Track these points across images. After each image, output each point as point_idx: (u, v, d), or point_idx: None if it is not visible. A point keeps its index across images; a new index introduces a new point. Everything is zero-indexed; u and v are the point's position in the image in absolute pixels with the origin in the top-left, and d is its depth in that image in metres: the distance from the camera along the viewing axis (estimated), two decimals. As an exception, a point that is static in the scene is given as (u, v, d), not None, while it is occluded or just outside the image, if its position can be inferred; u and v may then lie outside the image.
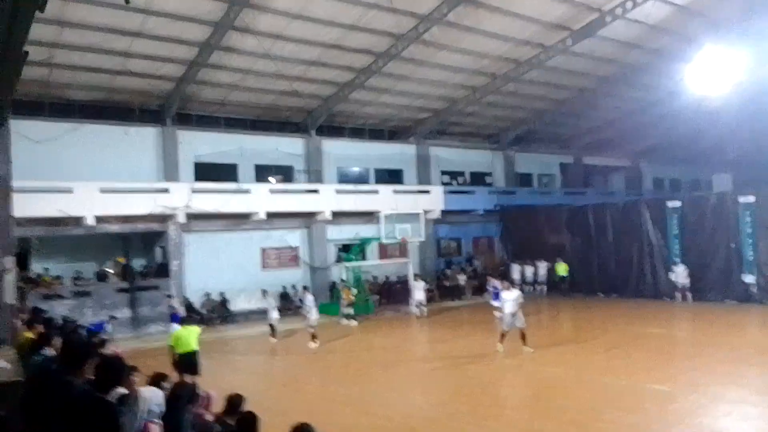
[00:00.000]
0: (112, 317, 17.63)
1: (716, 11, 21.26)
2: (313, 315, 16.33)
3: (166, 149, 22.11)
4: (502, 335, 13.49)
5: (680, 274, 20.73)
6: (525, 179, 33.45)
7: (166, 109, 21.99)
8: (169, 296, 19.83)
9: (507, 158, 32.03)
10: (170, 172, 21.96)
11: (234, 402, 5.73)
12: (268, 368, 13.96)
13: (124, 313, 19.49)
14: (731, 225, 19.96)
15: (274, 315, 17.56)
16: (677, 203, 22.07)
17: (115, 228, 19.79)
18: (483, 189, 30.06)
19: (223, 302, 22.02)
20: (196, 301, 21.60)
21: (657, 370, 11.41)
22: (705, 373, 11.01)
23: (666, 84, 26.49)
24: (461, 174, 30.97)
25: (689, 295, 20.57)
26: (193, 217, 20.94)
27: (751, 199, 19.65)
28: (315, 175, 25.35)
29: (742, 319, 16.74)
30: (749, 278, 19.44)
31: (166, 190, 20.42)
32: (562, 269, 25.09)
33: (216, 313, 21.86)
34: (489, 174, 31.92)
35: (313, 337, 15.73)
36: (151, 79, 20.39)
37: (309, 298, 16.90)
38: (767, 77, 25.24)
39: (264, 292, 18.76)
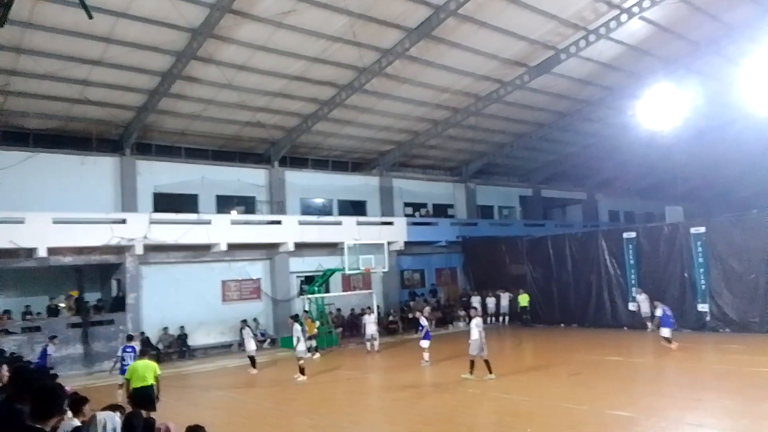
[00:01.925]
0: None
1: (664, 50, 22.44)
2: (301, 346, 15.76)
3: (125, 179, 21.66)
4: (472, 363, 13.65)
5: (643, 303, 21.05)
6: (486, 211, 34.01)
7: (125, 138, 21.63)
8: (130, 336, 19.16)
9: (468, 190, 32.57)
10: (128, 203, 21.47)
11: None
12: (229, 402, 13.51)
13: (77, 349, 18.69)
14: (684, 255, 20.59)
15: (252, 346, 17.23)
16: (633, 234, 22.70)
17: (68, 260, 19.13)
18: (445, 220, 30.39)
19: (182, 336, 21.36)
20: (154, 335, 20.88)
21: (618, 395, 11.56)
22: (664, 397, 11.21)
23: (619, 119, 27.63)
24: (424, 206, 31.28)
25: (651, 324, 20.87)
26: (151, 248, 20.43)
27: (702, 229, 20.36)
28: (278, 206, 25.19)
29: (697, 346, 17.15)
30: (703, 306, 19.99)
31: (123, 221, 19.90)
32: (523, 300, 25.38)
33: (174, 348, 21.19)
34: (451, 206, 32.34)
35: (301, 370, 15.18)
36: (111, 107, 20.11)
37: (296, 328, 16.24)
38: (713, 113, 26.71)
39: (243, 323, 18.40)
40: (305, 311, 21.08)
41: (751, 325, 18.42)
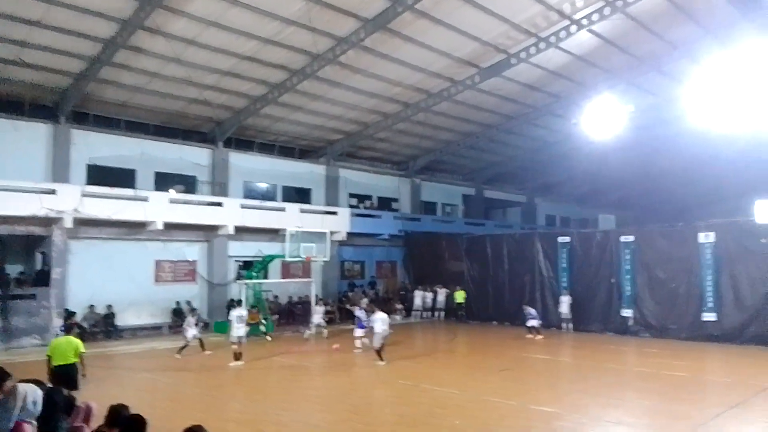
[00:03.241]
0: None
1: (608, 62, 23.27)
2: (239, 332, 15.34)
3: (58, 148, 20.55)
4: (378, 352, 14.97)
5: (564, 304, 21.98)
6: (429, 207, 34.42)
7: (61, 105, 20.51)
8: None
9: (413, 185, 32.85)
10: (60, 173, 20.39)
11: (117, 412, 5.29)
12: (157, 385, 13.11)
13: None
14: (614, 261, 21.54)
15: (191, 333, 16.59)
16: (567, 238, 23.54)
17: (-11, 229, 17.99)
18: (389, 214, 30.53)
19: (109, 316, 20.54)
20: (79, 313, 19.97)
21: (544, 392, 12.01)
22: (587, 395, 11.72)
23: (562, 127, 28.53)
24: (369, 198, 31.31)
25: (570, 325, 21.87)
26: (82, 222, 19.50)
27: (631, 238, 21.37)
28: (219, 187, 24.57)
29: (620, 348, 18.03)
30: (627, 312, 21.00)
31: (52, 192, 18.84)
32: (459, 296, 25.86)
33: (99, 327, 20.35)
34: (396, 200, 32.53)
35: (236, 355, 15.02)
36: (48, 72, 19.03)
37: (233, 313, 15.84)
38: (650, 128, 27.99)
39: (191, 307, 18.38)
40: (252, 307, 20.56)
41: (670, 331, 19.51)
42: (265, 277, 23.14)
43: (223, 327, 20.86)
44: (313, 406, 11.21)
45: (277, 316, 23.66)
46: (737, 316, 18.37)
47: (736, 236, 18.77)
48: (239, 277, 23.48)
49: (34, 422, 4.08)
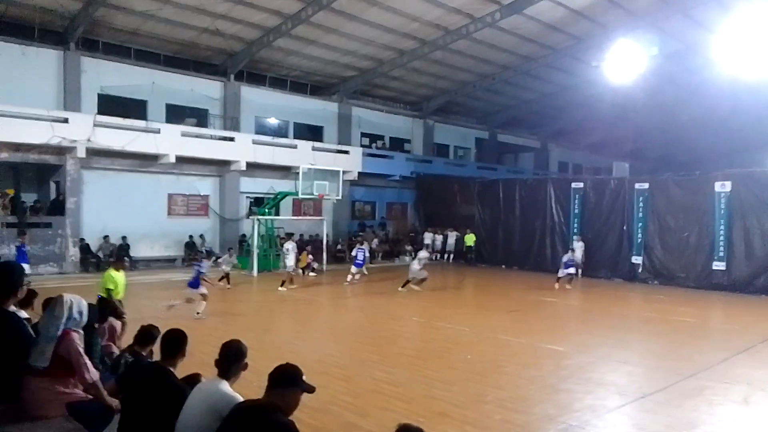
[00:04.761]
0: (22, 232, 16.41)
1: (634, 3, 22.32)
2: (290, 261, 17.26)
3: (68, 75, 20.32)
4: (407, 282, 16.73)
5: (578, 250, 21.99)
6: (442, 149, 34.12)
7: (70, 31, 20.11)
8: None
9: (427, 127, 32.42)
10: (71, 102, 20.25)
11: (147, 333, 5.43)
12: (173, 314, 13.41)
13: (11, 250, 17.91)
14: (626, 209, 21.46)
15: (226, 268, 17.39)
16: (580, 184, 23.37)
17: (3, 156, 18.05)
18: (401, 155, 30.34)
19: (124, 246, 20.83)
20: (94, 244, 20.27)
21: (552, 332, 12.18)
22: (594, 336, 11.90)
23: (581, 71, 27.77)
24: (381, 138, 31.01)
25: (580, 271, 21.98)
26: (94, 152, 19.51)
27: (646, 185, 21.19)
28: (231, 122, 24.36)
29: (628, 294, 18.22)
30: (637, 259, 21.09)
31: (65, 120, 18.79)
32: (470, 240, 25.98)
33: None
34: (408, 141, 32.22)
35: (285, 282, 16.69)
36: (56, -5, 18.54)
37: (287, 246, 17.92)
38: (671, 76, 27.23)
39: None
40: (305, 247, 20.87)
41: (678, 279, 19.63)
42: (277, 214, 23.26)
43: (239, 261, 21.20)
44: (328, 338, 11.47)
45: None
46: (747, 266, 18.39)
47: (751, 187, 18.54)
48: (251, 213, 23.63)
49: (81, 331, 4.16)
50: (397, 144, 31.69)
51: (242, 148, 23.07)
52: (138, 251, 21.25)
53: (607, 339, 11.69)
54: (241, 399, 3.49)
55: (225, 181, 23.71)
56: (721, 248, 18.89)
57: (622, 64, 21.32)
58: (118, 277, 9.44)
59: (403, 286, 16.79)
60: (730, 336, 12.37)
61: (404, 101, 31.85)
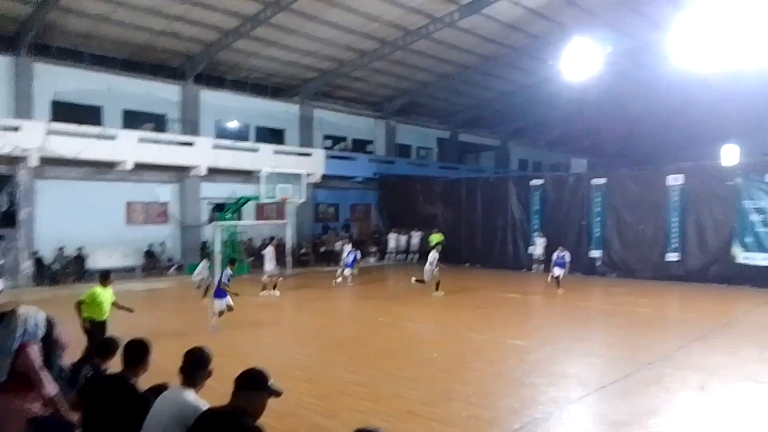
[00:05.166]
0: None
1: (589, 1, 22.78)
2: (270, 266, 17.18)
3: (19, 82, 19.63)
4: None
5: (539, 246, 22.46)
6: (404, 150, 34.29)
7: (21, 36, 19.41)
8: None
9: (389, 128, 32.53)
10: (22, 109, 19.57)
11: (107, 345, 5.28)
12: (134, 322, 13.10)
13: (-41, 263, 17.27)
14: (584, 204, 22.01)
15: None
16: (540, 181, 23.89)
17: (-50, 166, 17.31)
18: (364, 156, 30.36)
19: (79, 258, 20.24)
20: (49, 255, 19.63)
21: (515, 327, 12.43)
22: (557, 330, 12.19)
23: (539, 69, 28.32)
24: (344, 139, 30.98)
25: (542, 266, 22.45)
26: (48, 161, 18.92)
27: (602, 181, 21.79)
28: (190, 126, 23.93)
29: (588, 288, 18.66)
30: (595, 253, 21.65)
31: (16, 128, 18.15)
32: (436, 239, 26.06)
33: (70, 268, 20.06)
34: (370, 142, 32.27)
35: (267, 286, 16.68)
36: (6, 0, 17.86)
37: (268, 250, 17.72)
38: (625, 73, 28.02)
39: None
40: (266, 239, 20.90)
41: (635, 272, 20.23)
42: (239, 219, 22.98)
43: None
44: (293, 341, 11.41)
45: (252, 258, 23.63)
46: (700, 256, 19.09)
47: (703, 179, 19.25)
48: (213, 218, 23.28)
49: (39, 343, 4.04)
50: (360, 145, 31.72)
51: (202, 153, 22.72)
52: (95, 262, 20.61)
53: (569, 332, 11.98)
54: (207, 406, 3.45)
55: (185, 186, 23.30)
56: (676, 240, 19.56)
57: (578, 63, 21.83)
58: (103, 294, 8.68)
59: (436, 290, 16.62)
60: (686, 324, 12.83)
61: (366, 102, 31.90)
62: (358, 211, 31.01)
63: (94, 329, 8.41)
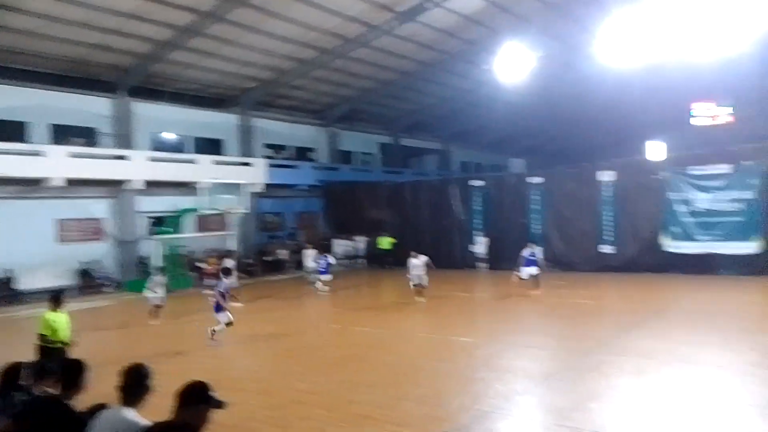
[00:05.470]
0: None
1: (521, 7, 23.61)
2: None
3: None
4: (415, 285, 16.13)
5: (481, 245, 23.03)
6: (347, 156, 34.35)
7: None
8: None
9: (331, 135, 32.53)
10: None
11: (41, 369, 5.07)
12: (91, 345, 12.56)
13: None
14: (524, 203, 22.70)
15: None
16: (481, 182, 24.50)
17: None
18: (307, 164, 30.22)
19: (7, 280, 19.21)
20: (-26, 278, 18.54)
21: (464, 325, 12.71)
22: (502, 325, 12.55)
23: (476, 74, 28.99)
24: (284, 148, 30.77)
25: (486, 265, 23.02)
26: (-30, 180, 17.87)
27: (540, 179, 22.56)
28: (123, 139, 23.14)
29: (531, 283, 19.20)
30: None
31: (-66, 148, 17.08)
32: (385, 242, 26.19)
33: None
34: (313, 150, 32.15)
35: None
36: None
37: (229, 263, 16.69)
38: (554, 74, 29.09)
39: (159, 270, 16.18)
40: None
41: (575, 265, 21.01)
42: (180, 232, 22.39)
43: (136, 285, 20.22)
44: (244, 352, 11.24)
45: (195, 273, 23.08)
46: (633, 247, 20.05)
47: (632, 174, 20.25)
48: (152, 233, 22.60)
49: None
50: (303, 153, 31.57)
51: (138, 166, 22.05)
52: (26, 283, 19.63)
53: (513, 326, 12.36)
54: (147, 423, 3.39)
55: (121, 201, 22.51)
56: (610, 233, 20.47)
57: (513, 67, 22.53)
58: (56, 319, 8.30)
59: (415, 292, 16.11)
60: (622, 313, 13.46)
61: (307, 110, 31.75)
62: (305, 219, 30.79)
63: (49, 353, 7.91)
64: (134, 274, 21.64)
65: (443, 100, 33.82)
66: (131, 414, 3.52)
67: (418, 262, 16.30)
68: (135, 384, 3.64)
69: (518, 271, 16.53)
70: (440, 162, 41.01)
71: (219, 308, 11.57)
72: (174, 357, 10.39)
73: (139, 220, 23.20)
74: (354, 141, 34.53)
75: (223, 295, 11.62)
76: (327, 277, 18.93)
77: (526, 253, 16.59)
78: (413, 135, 38.06)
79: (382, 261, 26.19)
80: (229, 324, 11.54)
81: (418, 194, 26.31)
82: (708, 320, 11.81)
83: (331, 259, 19.79)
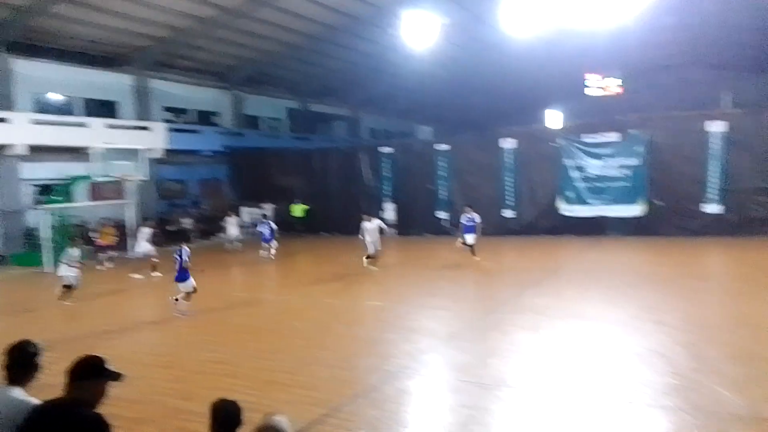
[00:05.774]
0: None
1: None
2: (142, 248, 16.67)
3: None
4: (369, 257, 15.32)
5: (390, 211, 23.39)
6: (253, 121, 33.30)
7: None
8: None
9: (236, 99, 31.31)
10: None
11: None
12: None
13: None
14: (431, 169, 23.22)
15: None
16: (390, 149, 24.71)
17: None
18: (210, 129, 29.00)
19: None
20: None
21: (373, 290, 12.95)
22: (410, 289, 12.89)
23: (383, 39, 28.82)
24: (185, 112, 29.28)
25: (394, 230, 23.41)
26: None
27: (446, 147, 23.13)
28: (2, 99, 21.01)
29: (437, 247, 19.86)
30: (443, 215, 23.05)
31: None
32: (298, 210, 25.81)
33: None
34: (216, 114, 30.86)
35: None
36: None
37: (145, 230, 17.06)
38: (459, 43, 29.61)
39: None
40: (101, 218, 19.79)
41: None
42: (71, 201, 20.88)
43: (24, 259, 18.78)
44: (147, 327, 10.77)
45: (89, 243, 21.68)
46: (532, 212, 21.18)
47: (532, 142, 21.24)
48: (39, 202, 20.90)
49: None
50: (206, 118, 30.21)
51: (19, 129, 20.14)
52: None
53: (421, 290, 12.73)
54: (36, 402, 3.18)
55: (1, 168, 20.57)
56: (511, 198, 21.47)
57: (418, 33, 22.63)
58: None
59: (369, 262, 15.30)
60: (521, 273, 14.24)
61: (210, 72, 30.24)
62: (209, 187, 29.68)
63: None
64: (20, 247, 20.02)
65: (351, 65, 33.44)
66: (18, 393, 3.28)
67: (371, 226, 15.41)
68: (22, 362, 3.39)
69: (462, 237, 16.13)
70: (349, 129, 40.80)
71: (183, 276, 10.91)
72: (65, 333, 9.77)
73: (24, 188, 21.36)
74: (261, 106, 33.46)
75: (183, 262, 10.90)
76: (273, 244, 18.99)
77: (464, 219, 16.09)
78: (322, 101, 37.48)
79: (293, 228, 25.89)
80: (189, 295, 10.97)
81: (327, 161, 26.12)
82: (596, 278, 12.79)
83: (274, 225, 19.65)
